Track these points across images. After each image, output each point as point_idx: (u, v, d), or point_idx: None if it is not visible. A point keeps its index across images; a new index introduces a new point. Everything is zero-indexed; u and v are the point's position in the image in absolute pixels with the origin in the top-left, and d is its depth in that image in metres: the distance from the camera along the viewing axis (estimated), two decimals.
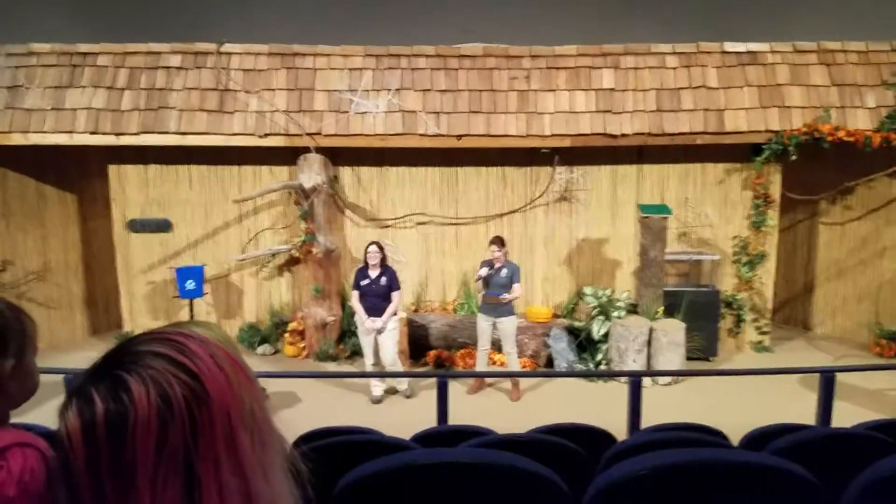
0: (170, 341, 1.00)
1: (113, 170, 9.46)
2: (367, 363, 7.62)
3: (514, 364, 7.85)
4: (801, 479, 2.18)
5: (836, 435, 3.34)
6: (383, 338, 7.55)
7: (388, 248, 8.63)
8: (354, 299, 7.60)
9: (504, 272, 7.61)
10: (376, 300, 7.54)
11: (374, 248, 7.60)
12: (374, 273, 7.56)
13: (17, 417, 1.73)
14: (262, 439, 1.03)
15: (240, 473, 0.97)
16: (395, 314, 7.63)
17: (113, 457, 0.92)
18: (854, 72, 9.06)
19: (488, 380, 8.20)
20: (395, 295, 7.61)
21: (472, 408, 7.44)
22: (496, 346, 8.10)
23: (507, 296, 7.55)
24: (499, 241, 7.67)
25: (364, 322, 7.50)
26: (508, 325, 7.67)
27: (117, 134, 8.89)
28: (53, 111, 8.88)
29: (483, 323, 7.78)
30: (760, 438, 3.55)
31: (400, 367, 7.81)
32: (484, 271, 7.63)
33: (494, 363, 8.59)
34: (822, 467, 2.37)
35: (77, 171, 9.99)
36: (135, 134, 8.89)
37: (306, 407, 7.38)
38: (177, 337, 1.01)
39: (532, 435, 3.38)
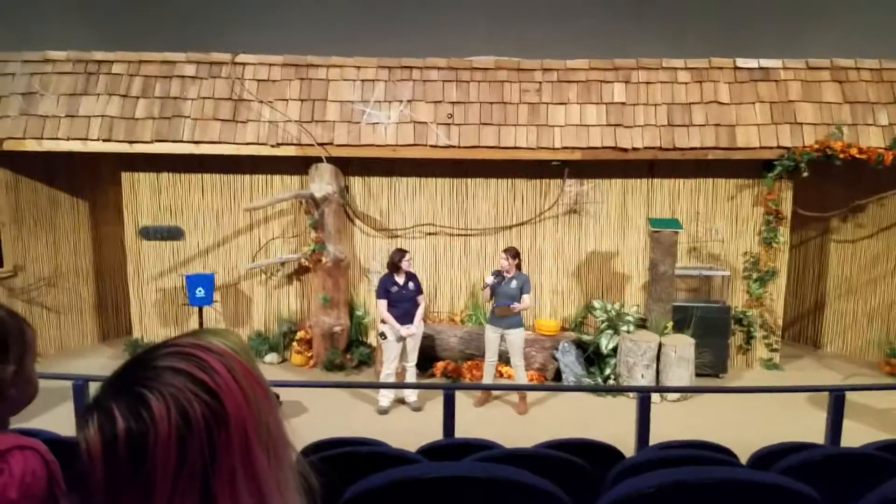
0: (189, 356, 1.00)
1: (126, 177, 9.53)
2: (385, 372, 7.62)
3: (522, 377, 7.82)
4: (810, 498, 2.17)
5: (844, 455, 3.32)
6: (411, 343, 7.69)
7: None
8: (382, 307, 7.63)
9: (514, 283, 7.61)
10: (407, 305, 7.65)
11: (408, 254, 7.70)
12: (401, 279, 7.63)
13: (25, 422, 1.75)
14: (277, 455, 1.03)
15: (256, 491, 0.98)
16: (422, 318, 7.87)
17: (131, 473, 0.93)
18: (867, 89, 9.04)
19: (495, 392, 8.18)
20: (420, 299, 7.79)
21: (478, 420, 7.42)
22: (503, 357, 8.08)
23: (516, 305, 7.53)
24: (511, 251, 7.69)
25: (399, 330, 7.54)
26: (516, 336, 7.66)
27: (131, 142, 8.96)
28: (68, 118, 8.96)
29: (491, 334, 7.77)
30: (769, 457, 3.53)
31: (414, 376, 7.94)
32: (490, 279, 7.64)
33: (502, 375, 8.58)
34: (830, 487, 2.35)
35: (90, 178, 10.07)
36: (148, 142, 8.95)
37: (313, 416, 7.38)
38: (196, 351, 1.01)
39: (538, 450, 3.37)
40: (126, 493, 0.93)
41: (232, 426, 0.97)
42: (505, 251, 7.74)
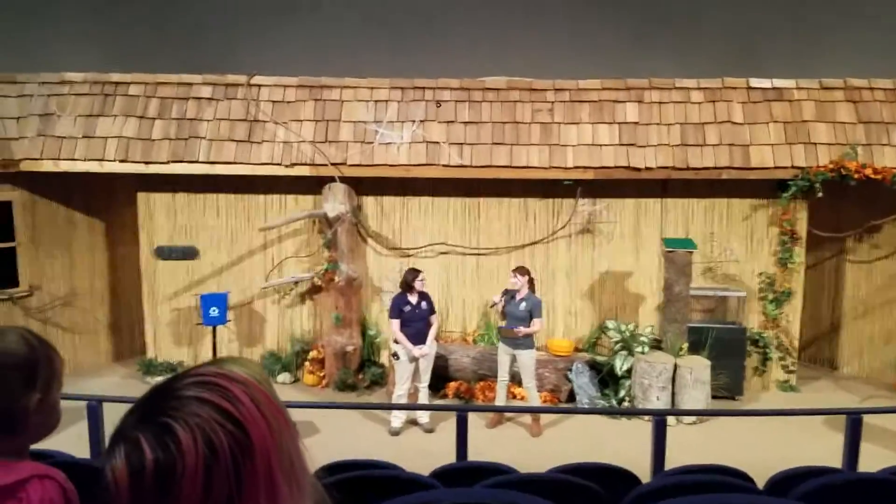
0: (214, 386, 1.00)
1: (142, 197, 9.60)
2: (397, 393, 7.61)
3: (535, 398, 7.77)
4: None
5: (862, 480, 3.27)
6: (424, 363, 7.68)
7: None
8: (395, 327, 7.62)
9: (523, 305, 7.56)
10: (420, 325, 7.65)
11: (422, 274, 7.70)
12: (414, 299, 7.63)
13: (38, 444, 1.75)
14: (298, 485, 1.03)
15: None
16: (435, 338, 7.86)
17: (158, 503, 0.93)
18: (881, 109, 9.01)
19: (508, 414, 8.13)
20: (433, 319, 7.78)
21: (491, 442, 7.38)
22: (516, 378, 8.03)
23: (521, 329, 7.46)
24: (520, 270, 7.66)
25: (412, 350, 7.52)
26: (526, 358, 7.61)
27: (147, 162, 9.04)
28: (84, 139, 9.07)
29: (502, 354, 7.75)
30: (786, 482, 3.49)
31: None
32: (496, 297, 7.63)
33: (515, 397, 8.53)
34: None
35: (106, 199, 10.15)
36: (164, 163, 9.03)
37: (324, 437, 7.36)
38: (220, 381, 1.01)
39: (553, 475, 3.34)
40: None
41: (256, 456, 0.97)
42: (515, 270, 7.73)
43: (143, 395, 1.03)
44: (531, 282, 7.75)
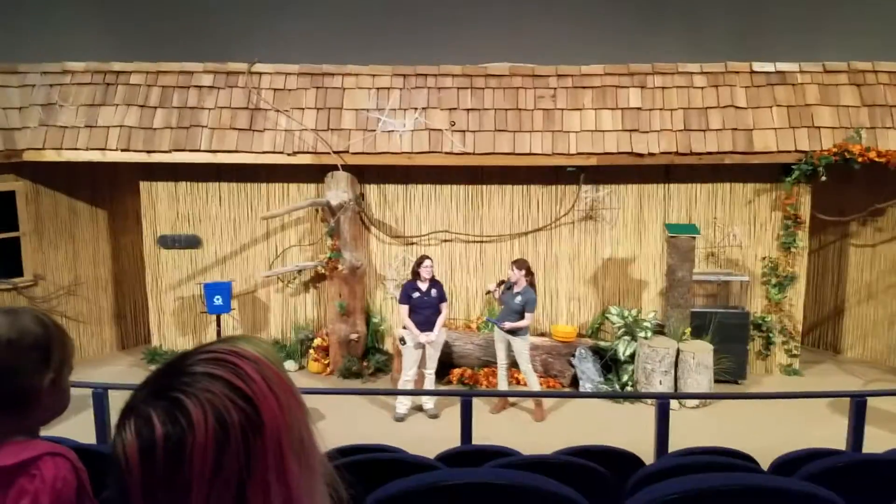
0: (225, 362, 0.99)
1: (144, 186, 9.60)
2: (403, 379, 7.65)
3: (534, 383, 7.84)
4: None
5: (867, 461, 3.28)
6: (431, 350, 7.73)
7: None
8: (404, 313, 7.66)
9: (518, 298, 7.61)
10: (429, 312, 7.69)
11: (429, 261, 7.73)
12: (423, 286, 7.66)
13: (45, 430, 1.76)
14: (308, 464, 1.02)
15: (288, 500, 0.97)
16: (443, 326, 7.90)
17: (168, 478, 0.92)
18: (885, 92, 8.96)
19: (512, 399, 8.16)
20: (443, 306, 7.83)
21: (495, 427, 7.40)
22: (515, 363, 8.10)
23: (506, 324, 7.61)
24: (519, 263, 7.69)
25: (418, 336, 7.55)
26: (518, 344, 7.72)
27: (149, 151, 9.04)
28: (87, 129, 9.06)
29: (498, 342, 7.88)
30: (790, 464, 3.50)
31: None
32: (492, 286, 7.68)
33: (518, 382, 8.56)
34: (853, 494, 2.32)
35: (108, 188, 10.15)
36: (166, 151, 9.03)
37: (330, 424, 7.38)
38: (231, 358, 1.00)
39: (558, 456, 3.35)
40: (162, 499, 0.93)
41: (267, 434, 0.96)
42: (514, 263, 7.76)
43: (154, 371, 1.03)
44: (531, 276, 7.78)
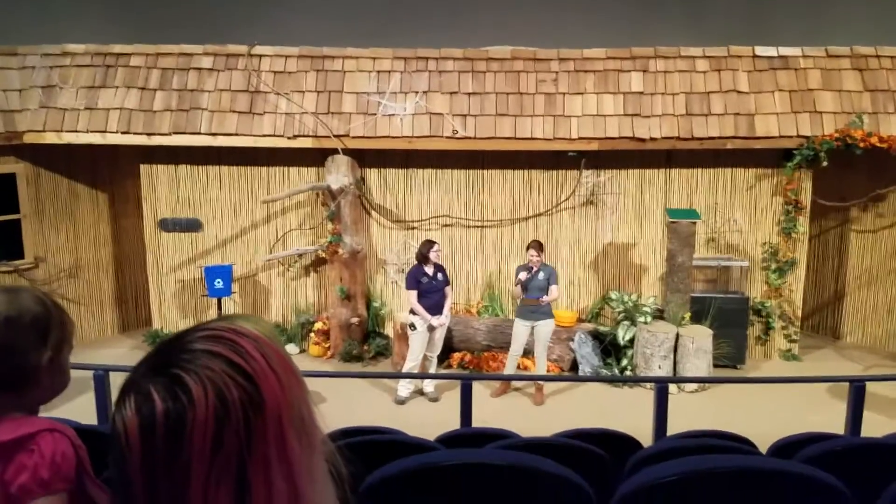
0: (225, 340, 0.99)
1: (144, 169, 9.59)
2: (410, 364, 7.68)
3: (544, 367, 7.89)
4: (833, 488, 2.16)
5: (866, 445, 3.29)
6: (438, 333, 7.81)
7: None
8: (413, 298, 7.68)
9: (541, 275, 7.68)
10: (437, 296, 7.77)
11: (437, 245, 7.79)
12: (430, 271, 7.70)
13: (46, 412, 1.77)
14: (309, 443, 1.02)
15: (289, 478, 0.97)
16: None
17: (169, 455, 0.92)
18: (888, 77, 8.92)
19: (513, 383, 8.19)
20: (448, 290, 7.91)
21: (495, 411, 7.43)
22: (527, 353, 8.13)
23: (545, 298, 7.65)
24: (537, 246, 7.74)
25: (430, 320, 7.61)
26: (546, 328, 7.77)
27: (149, 134, 9.01)
28: (87, 111, 9.03)
29: (521, 327, 7.82)
30: (788, 447, 3.51)
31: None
32: (523, 275, 7.67)
33: (520, 367, 8.58)
34: (852, 477, 2.34)
35: (109, 171, 10.14)
36: (166, 134, 9.00)
37: (330, 407, 7.39)
38: (231, 335, 1.00)
39: (556, 439, 3.37)
40: (162, 476, 0.92)
41: (267, 411, 0.96)
42: (530, 246, 7.78)
43: (153, 348, 1.03)
44: (543, 253, 7.89)
